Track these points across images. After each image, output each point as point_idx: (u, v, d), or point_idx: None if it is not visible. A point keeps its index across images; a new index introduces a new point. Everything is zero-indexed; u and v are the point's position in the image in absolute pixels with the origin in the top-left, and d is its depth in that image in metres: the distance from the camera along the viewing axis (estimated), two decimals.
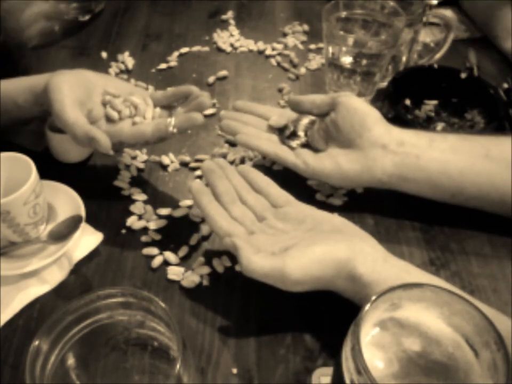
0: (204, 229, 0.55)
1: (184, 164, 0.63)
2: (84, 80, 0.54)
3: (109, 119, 0.54)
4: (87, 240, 0.53)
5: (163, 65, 0.78)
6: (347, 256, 0.43)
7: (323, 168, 0.54)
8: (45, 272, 0.51)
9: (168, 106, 0.56)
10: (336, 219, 0.49)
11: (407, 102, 0.69)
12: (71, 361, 0.38)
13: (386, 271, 0.43)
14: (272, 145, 0.56)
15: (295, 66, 0.79)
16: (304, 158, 0.55)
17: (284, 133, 0.57)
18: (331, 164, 0.54)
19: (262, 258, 0.43)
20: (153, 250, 0.53)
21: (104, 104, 0.54)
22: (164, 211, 0.57)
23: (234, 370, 0.44)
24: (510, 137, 0.53)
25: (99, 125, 0.53)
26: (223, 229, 0.47)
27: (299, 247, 0.44)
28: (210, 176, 0.51)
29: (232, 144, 0.65)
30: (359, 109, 0.53)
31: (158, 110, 0.55)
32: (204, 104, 0.53)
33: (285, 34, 0.86)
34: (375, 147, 0.52)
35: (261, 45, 0.83)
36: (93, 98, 0.54)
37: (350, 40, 0.62)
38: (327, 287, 0.45)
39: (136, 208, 0.57)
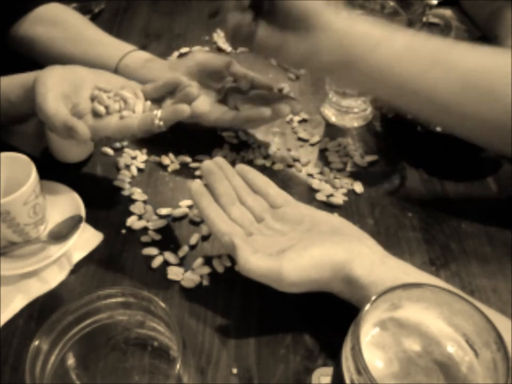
0: (204, 229, 0.55)
1: (184, 164, 0.63)
2: (73, 74, 0.53)
3: (96, 114, 0.53)
4: (87, 240, 0.53)
5: None
6: (344, 259, 0.43)
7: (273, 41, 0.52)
8: (45, 272, 0.51)
9: (159, 99, 0.55)
10: (334, 219, 0.49)
11: None
12: (71, 361, 0.38)
13: (384, 272, 0.43)
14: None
15: None
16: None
17: None
18: (279, 36, 0.51)
19: (259, 258, 0.43)
20: (153, 250, 0.53)
21: (93, 99, 0.53)
22: (164, 211, 0.57)
23: (234, 370, 0.44)
24: (462, 44, 0.52)
25: (85, 119, 0.52)
26: (222, 231, 0.47)
27: (296, 249, 0.44)
28: (210, 177, 0.51)
29: (233, 144, 0.66)
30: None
31: (148, 103, 0.54)
32: (191, 94, 0.52)
33: None
34: (324, 31, 0.50)
35: None
36: (80, 93, 0.53)
37: None
38: (323, 288, 0.45)
39: (136, 208, 0.57)
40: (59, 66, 0.53)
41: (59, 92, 0.50)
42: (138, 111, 0.53)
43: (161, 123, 0.50)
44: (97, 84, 0.54)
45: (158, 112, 0.51)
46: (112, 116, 0.53)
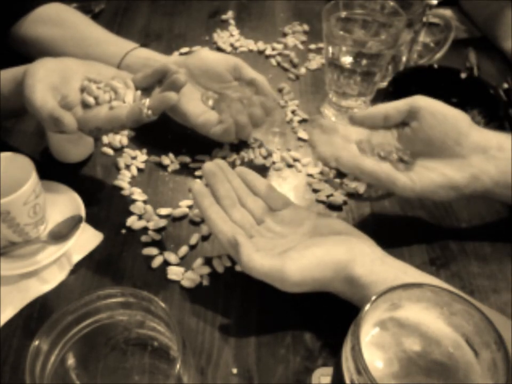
0: (204, 229, 0.55)
1: (184, 164, 0.63)
2: (63, 66, 0.53)
3: (86, 105, 0.52)
4: (87, 240, 0.53)
5: None
6: (346, 258, 0.43)
7: (430, 183, 0.49)
8: (45, 272, 0.51)
9: (150, 88, 0.54)
10: (334, 222, 0.49)
11: None
12: (71, 361, 0.38)
13: (384, 272, 0.43)
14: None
15: (295, 66, 0.79)
16: (408, 176, 0.49)
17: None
18: (438, 176, 0.49)
19: (262, 256, 0.43)
20: (153, 250, 0.53)
21: (82, 90, 0.53)
22: (164, 211, 0.57)
23: (234, 370, 0.44)
24: None
25: (75, 111, 0.52)
26: (224, 232, 0.47)
27: (299, 249, 0.44)
28: (211, 178, 0.51)
29: (233, 145, 0.65)
30: (447, 113, 0.49)
31: (138, 92, 0.54)
32: (178, 81, 0.51)
33: (285, 34, 0.86)
34: (477, 153, 0.48)
35: (261, 45, 0.83)
36: (70, 85, 0.52)
37: (350, 40, 0.62)
38: (325, 288, 0.45)
39: (136, 208, 0.57)
40: (49, 58, 0.53)
41: (47, 84, 0.50)
42: (128, 101, 0.53)
43: (150, 112, 0.50)
44: (88, 75, 0.53)
45: (146, 101, 0.50)
46: (101, 106, 0.52)
